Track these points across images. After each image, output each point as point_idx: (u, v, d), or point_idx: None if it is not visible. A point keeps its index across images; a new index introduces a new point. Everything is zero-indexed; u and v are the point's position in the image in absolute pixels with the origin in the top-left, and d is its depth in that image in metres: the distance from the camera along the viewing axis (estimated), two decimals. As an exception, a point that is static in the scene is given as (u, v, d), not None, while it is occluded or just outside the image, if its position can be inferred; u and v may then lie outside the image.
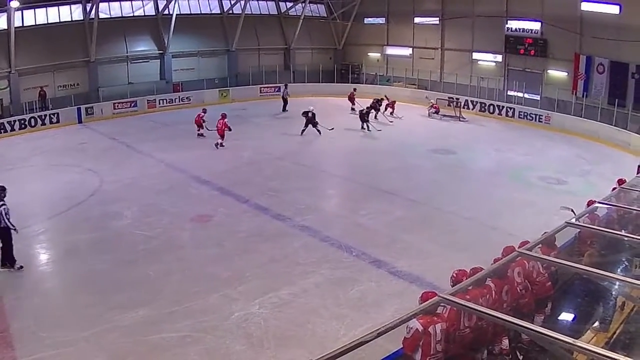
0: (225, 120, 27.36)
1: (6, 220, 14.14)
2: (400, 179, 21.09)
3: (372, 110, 32.58)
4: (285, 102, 38.23)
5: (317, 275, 13.32)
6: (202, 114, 30.06)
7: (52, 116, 36.78)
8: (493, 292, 6.86)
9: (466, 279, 6.77)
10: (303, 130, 29.36)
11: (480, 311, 5.77)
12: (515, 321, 5.17)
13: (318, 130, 29.23)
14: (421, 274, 12.94)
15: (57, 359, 10.49)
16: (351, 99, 36.34)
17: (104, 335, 11.16)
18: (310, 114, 29.29)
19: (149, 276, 13.79)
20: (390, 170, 22.30)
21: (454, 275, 7.31)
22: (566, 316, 7.75)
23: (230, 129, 27.19)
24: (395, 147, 26.41)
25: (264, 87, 44.86)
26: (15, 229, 14.46)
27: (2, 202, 14.25)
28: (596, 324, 6.98)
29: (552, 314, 7.57)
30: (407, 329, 5.89)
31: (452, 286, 6.72)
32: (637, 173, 16.21)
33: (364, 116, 30.74)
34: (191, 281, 13.31)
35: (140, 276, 13.80)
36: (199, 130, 29.80)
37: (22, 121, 35.79)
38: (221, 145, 26.84)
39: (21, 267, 14.60)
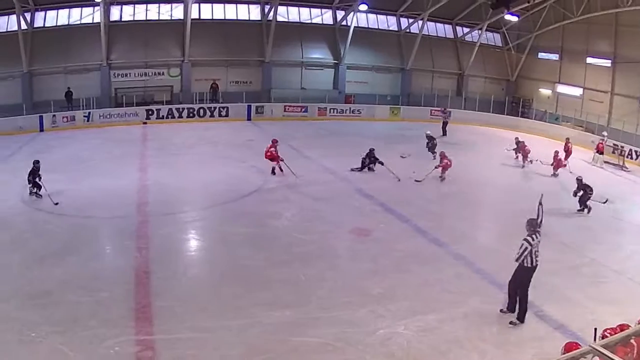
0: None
1: None
2: (554, 222, 20.09)
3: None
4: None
5: (465, 306, 13.23)
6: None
7: (221, 109, 39.44)
8: (635, 351, 7.16)
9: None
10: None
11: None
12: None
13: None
14: (565, 322, 12.50)
15: (193, 342, 11.15)
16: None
17: (246, 329, 11.70)
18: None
19: (300, 279, 14.35)
20: (544, 210, 21.34)
21: (607, 333, 7.71)
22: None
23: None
24: (551, 188, 25.09)
25: (435, 110, 44.60)
26: None
27: None
28: None
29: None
30: None
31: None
32: None
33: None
34: (341, 291, 13.63)
35: (291, 278, 14.36)
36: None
37: (191, 110, 38.72)
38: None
39: None
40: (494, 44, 50.85)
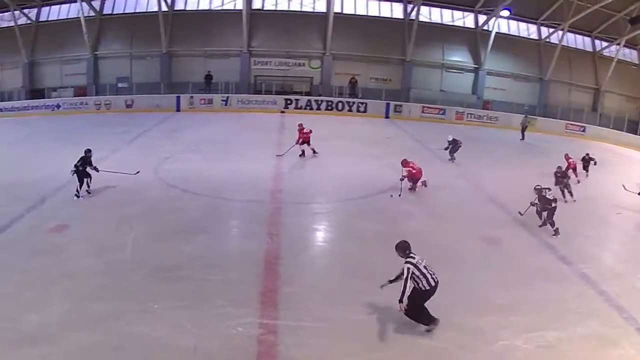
0: None
1: None
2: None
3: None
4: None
5: (584, 327, 12.87)
6: None
7: (360, 105, 40.26)
8: None
9: None
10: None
11: None
12: None
13: None
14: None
15: (315, 331, 11.39)
16: None
17: (368, 324, 11.85)
18: None
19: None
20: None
21: None
22: None
23: None
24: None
25: (570, 124, 43.59)
26: None
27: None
28: None
29: None
30: None
31: None
32: None
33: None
34: (465, 298, 13.54)
35: (418, 279, 14.24)
36: None
37: (330, 103, 39.87)
38: None
39: None
40: (630, 60, 49.43)
